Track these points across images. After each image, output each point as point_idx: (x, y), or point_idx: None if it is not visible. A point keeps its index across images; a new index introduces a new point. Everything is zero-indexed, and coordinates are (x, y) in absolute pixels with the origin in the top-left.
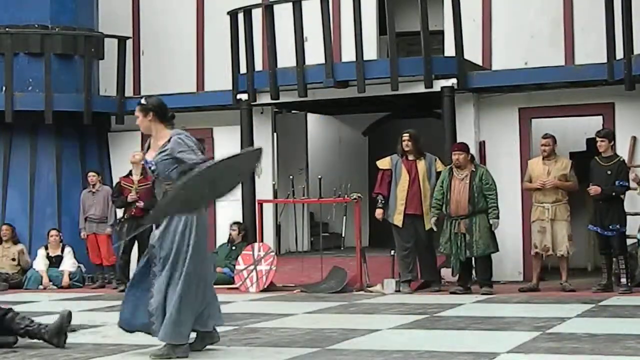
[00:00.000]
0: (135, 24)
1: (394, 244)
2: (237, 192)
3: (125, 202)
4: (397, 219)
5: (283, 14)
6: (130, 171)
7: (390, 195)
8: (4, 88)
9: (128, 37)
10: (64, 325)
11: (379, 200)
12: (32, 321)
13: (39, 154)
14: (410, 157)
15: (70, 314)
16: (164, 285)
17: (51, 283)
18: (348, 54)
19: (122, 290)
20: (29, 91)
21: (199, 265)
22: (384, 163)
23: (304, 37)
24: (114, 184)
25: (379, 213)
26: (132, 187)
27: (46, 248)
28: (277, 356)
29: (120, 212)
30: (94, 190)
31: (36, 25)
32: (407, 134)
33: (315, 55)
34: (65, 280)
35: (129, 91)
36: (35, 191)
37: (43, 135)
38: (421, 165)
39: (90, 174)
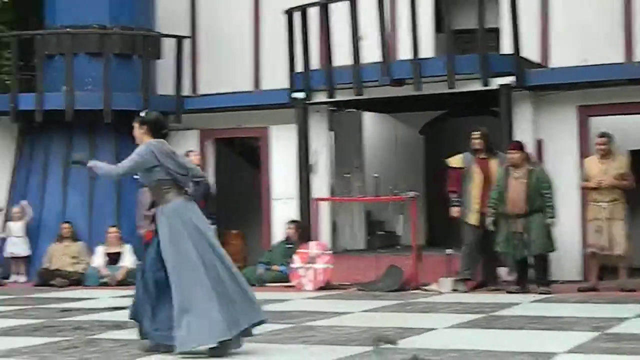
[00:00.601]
0: (193, 23)
1: (452, 242)
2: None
3: None
4: (474, 218)
5: (339, 12)
6: None
7: (464, 194)
8: (64, 88)
9: (186, 37)
10: None
11: (454, 199)
12: None
13: (98, 153)
14: (482, 156)
15: None
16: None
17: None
18: (404, 52)
19: None
20: (88, 91)
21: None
22: (455, 161)
23: (360, 35)
24: None
25: (455, 211)
26: None
27: (105, 245)
28: (333, 354)
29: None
30: None
31: (95, 26)
32: (477, 133)
33: (371, 53)
34: (121, 276)
35: (186, 90)
36: (94, 189)
37: (102, 134)
38: (493, 163)
39: None
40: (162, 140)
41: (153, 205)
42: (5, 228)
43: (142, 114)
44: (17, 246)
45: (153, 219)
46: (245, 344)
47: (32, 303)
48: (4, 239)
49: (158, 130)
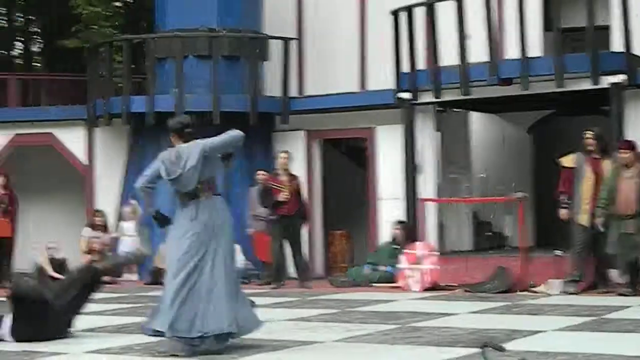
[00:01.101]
0: (300, 25)
1: (561, 243)
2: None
3: (276, 202)
4: (584, 219)
5: (445, 11)
6: (276, 171)
7: (575, 194)
8: (174, 90)
9: (292, 38)
10: None
11: (563, 200)
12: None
13: None
14: (595, 156)
15: None
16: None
17: None
18: (512, 51)
19: (275, 288)
20: (197, 93)
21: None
22: (567, 161)
23: (467, 34)
24: None
25: (564, 214)
26: (281, 187)
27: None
28: (439, 355)
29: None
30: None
31: (204, 29)
32: (590, 133)
33: (478, 52)
34: None
35: (293, 91)
36: None
37: (210, 135)
38: (606, 164)
39: (260, 172)
40: (172, 147)
41: (265, 205)
42: (118, 228)
43: (169, 123)
44: (130, 245)
45: (261, 219)
46: (351, 344)
47: (144, 301)
48: (117, 239)
49: (183, 132)
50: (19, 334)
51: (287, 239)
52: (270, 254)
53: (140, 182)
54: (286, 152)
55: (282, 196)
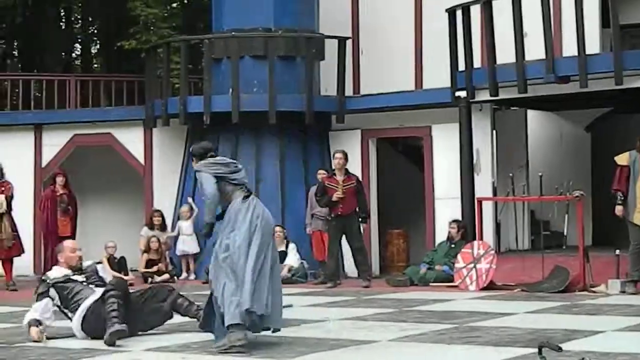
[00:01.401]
0: (355, 24)
1: (621, 243)
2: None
3: (330, 201)
4: (637, 218)
5: (502, 9)
6: (334, 171)
7: (629, 193)
8: (230, 90)
9: (348, 38)
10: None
11: (618, 197)
12: (192, 303)
13: (264, 153)
14: None
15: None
16: None
17: None
18: (569, 48)
19: (331, 287)
20: (253, 93)
21: None
22: (622, 159)
23: (524, 32)
24: None
25: (619, 210)
26: (336, 186)
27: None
28: (496, 355)
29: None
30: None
31: (260, 29)
32: None
33: (535, 50)
34: (284, 272)
35: (349, 90)
36: (260, 190)
37: (267, 135)
38: None
39: (321, 171)
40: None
41: (325, 204)
42: (176, 227)
43: (192, 149)
44: (188, 244)
45: (320, 218)
46: (408, 343)
47: (201, 300)
48: (175, 238)
49: (205, 156)
50: (88, 330)
51: (345, 239)
52: (327, 253)
53: (210, 209)
54: (342, 151)
55: (336, 196)
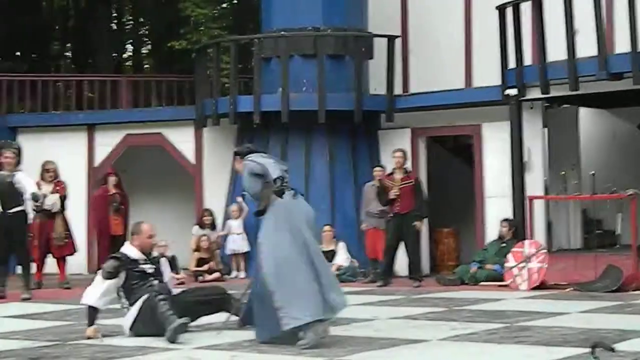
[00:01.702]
0: (404, 22)
1: None
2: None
3: (387, 200)
4: None
5: (553, 6)
6: (394, 169)
7: None
8: (280, 89)
9: (397, 36)
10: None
11: None
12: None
13: (313, 153)
14: None
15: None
16: None
17: None
18: (622, 44)
19: (381, 286)
20: (303, 92)
21: None
22: None
23: (575, 29)
24: None
25: None
26: (394, 184)
27: (320, 243)
28: (548, 355)
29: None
30: (377, 185)
31: (309, 28)
32: None
33: (586, 47)
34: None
35: (398, 89)
36: (309, 189)
37: (316, 134)
38: None
39: (377, 168)
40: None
41: (384, 202)
42: (226, 226)
43: (236, 149)
44: (237, 243)
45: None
46: (458, 343)
47: None
48: (225, 237)
49: (245, 154)
50: (138, 330)
51: (401, 237)
52: (382, 251)
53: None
54: (401, 150)
55: (392, 194)
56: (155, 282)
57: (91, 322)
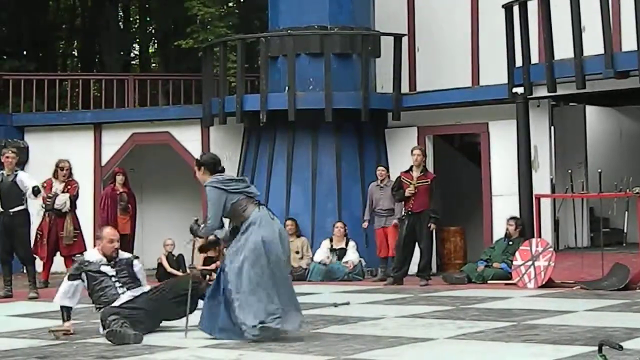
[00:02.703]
0: (411, 21)
1: None
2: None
3: (403, 196)
4: None
5: (559, 4)
6: (411, 167)
7: None
8: (286, 88)
9: (404, 34)
10: None
11: None
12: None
13: (320, 151)
14: None
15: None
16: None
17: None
18: (629, 42)
19: (390, 284)
20: (309, 90)
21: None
22: None
23: (582, 26)
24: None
25: None
26: (411, 182)
27: (331, 240)
28: (556, 354)
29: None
30: (382, 184)
31: (316, 27)
32: None
33: (593, 45)
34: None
35: (405, 88)
36: (316, 187)
37: (323, 133)
38: None
39: (380, 168)
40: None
41: (399, 199)
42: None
43: (197, 157)
44: None
45: (382, 215)
46: (465, 341)
47: None
48: None
49: (214, 169)
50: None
51: (415, 237)
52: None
53: (214, 221)
54: (419, 148)
55: (407, 191)
56: (122, 290)
57: (66, 319)
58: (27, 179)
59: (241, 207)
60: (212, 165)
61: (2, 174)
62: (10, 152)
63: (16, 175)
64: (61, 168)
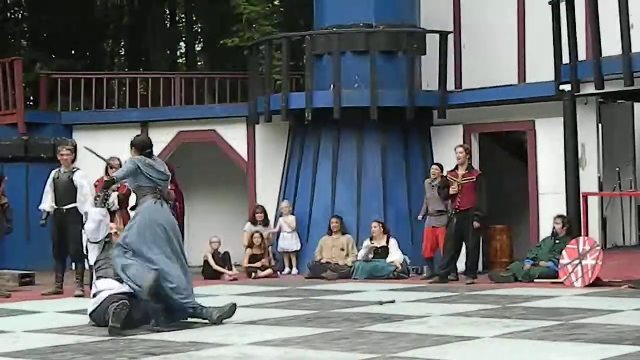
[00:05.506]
0: (457, 18)
1: None
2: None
3: (448, 195)
4: None
5: (607, 0)
6: (457, 165)
7: None
8: (332, 86)
9: (449, 32)
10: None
11: None
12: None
13: (365, 149)
14: None
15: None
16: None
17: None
18: None
19: (437, 282)
20: (355, 88)
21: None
22: None
23: (631, 23)
24: None
25: None
26: (456, 180)
27: (372, 239)
28: (602, 353)
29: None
30: (433, 184)
31: (361, 24)
32: None
33: None
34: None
35: (450, 85)
36: (362, 185)
37: (369, 131)
38: None
39: (434, 166)
40: (144, 157)
41: (445, 198)
42: (278, 223)
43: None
44: (287, 241)
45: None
46: (512, 340)
47: (304, 295)
48: (277, 234)
49: (143, 149)
50: (94, 319)
51: (462, 236)
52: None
53: (120, 175)
54: (463, 146)
55: (452, 189)
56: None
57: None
58: (83, 180)
59: (143, 192)
60: (141, 147)
61: (60, 171)
62: (65, 149)
63: (74, 173)
64: (112, 167)
